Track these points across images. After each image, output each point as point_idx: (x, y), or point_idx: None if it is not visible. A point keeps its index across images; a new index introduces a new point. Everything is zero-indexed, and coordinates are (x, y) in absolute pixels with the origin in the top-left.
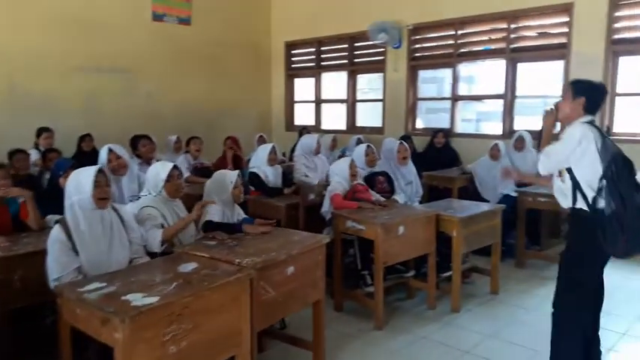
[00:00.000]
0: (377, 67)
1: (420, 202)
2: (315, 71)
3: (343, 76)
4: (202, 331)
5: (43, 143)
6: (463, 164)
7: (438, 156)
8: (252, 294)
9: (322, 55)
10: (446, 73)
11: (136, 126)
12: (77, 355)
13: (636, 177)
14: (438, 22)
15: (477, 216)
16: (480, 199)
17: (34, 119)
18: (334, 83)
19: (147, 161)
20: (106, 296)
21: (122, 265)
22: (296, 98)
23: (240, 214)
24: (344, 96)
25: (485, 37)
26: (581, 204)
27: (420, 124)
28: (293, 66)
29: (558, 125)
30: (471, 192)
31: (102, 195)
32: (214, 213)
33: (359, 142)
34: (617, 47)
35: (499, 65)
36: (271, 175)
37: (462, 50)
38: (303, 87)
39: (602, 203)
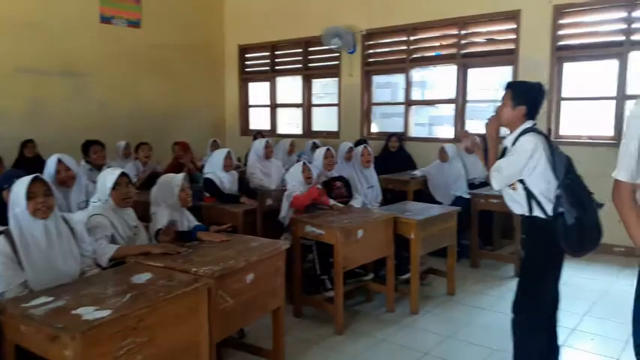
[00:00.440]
0: (332, 71)
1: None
2: (270, 75)
3: (298, 80)
4: (159, 345)
5: None
6: (417, 167)
7: (393, 159)
8: (211, 304)
9: (277, 59)
10: (399, 79)
11: (84, 131)
12: None
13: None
14: (391, 28)
15: (434, 218)
16: (434, 201)
17: None
18: (289, 87)
19: (97, 168)
20: (54, 311)
21: (72, 278)
22: (250, 102)
23: (190, 219)
24: (299, 100)
25: (436, 43)
26: (537, 212)
27: (374, 128)
28: (247, 70)
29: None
30: (425, 195)
31: (37, 206)
32: (163, 219)
33: (314, 146)
34: (561, 53)
35: (450, 70)
36: (227, 181)
37: (415, 56)
38: (258, 91)
39: (559, 210)
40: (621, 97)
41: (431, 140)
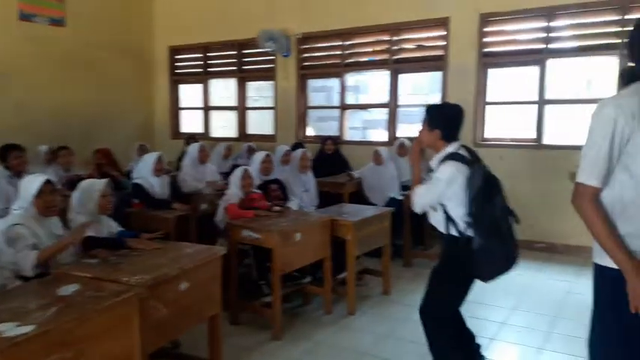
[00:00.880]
0: (267, 74)
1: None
2: (202, 77)
3: (232, 82)
4: (88, 359)
5: None
6: (353, 170)
7: (329, 162)
8: (143, 314)
9: (209, 61)
10: (334, 83)
11: (1, 135)
12: None
13: (498, 197)
14: (326, 33)
15: (369, 219)
16: (369, 203)
17: None
18: (223, 90)
19: (17, 174)
20: None
21: None
22: (182, 105)
23: (111, 226)
24: (234, 103)
25: (370, 49)
26: (453, 232)
27: (310, 131)
28: (178, 71)
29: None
30: (360, 197)
31: None
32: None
33: (250, 149)
34: (487, 60)
35: (383, 75)
36: (157, 185)
37: (349, 60)
38: (190, 93)
39: (467, 235)
40: (541, 102)
41: (365, 143)
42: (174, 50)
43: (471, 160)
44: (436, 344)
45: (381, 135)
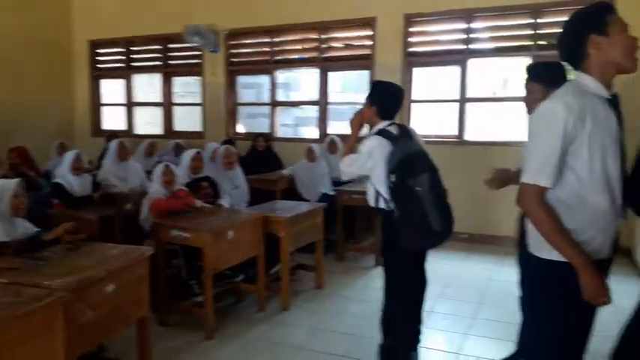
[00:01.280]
0: (194, 70)
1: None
2: (125, 72)
3: (157, 78)
4: None
5: None
6: (284, 167)
7: (261, 159)
8: (67, 318)
9: (133, 56)
10: (264, 79)
11: None
12: None
13: (425, 175)
14: (254, 29)
15: (302, 215)
16: (301, 199)
17: None
18: (148, 86)
19: None
20: None
21: None
22: (104, 101)
23: (26, 227)
24: (159, 99)
25: (299, 46)
26: (382, 205)
27: (241, 128)
28: (99, 66)
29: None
30: (292, 193)
31: None
32: None
33: (177, 147)
34: (412, 59)
35: (313, 73)
36: (77, 184)
37: (279, 57)
38: (112, 89)
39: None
40: (462, 100)
41: (297, 140)
42: (95, 44)
43: (396, 136)
44: (391, 337)
45: (312, 132)
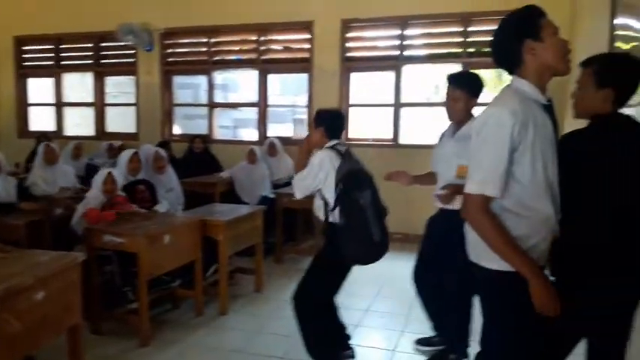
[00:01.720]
0: (128, 69)
1: (183, 210)
2: (54, 71)
3: (89, 77)
4: None
5: None
6: (223, 169)
7: (198, 162)
8: None
9: (62, 54)
10: (201, 80)
11: None
12: None
13: (368, 191)
14: (190, 29)
15: (241, 218)
16: (241, 202)
17: None
18: (79, 85)
19: None
20: None
21: None
22: (31, 101)
23: None
24: (91, 99)
25: (237, 47)
26: (330, 218)
27: (177, 130)
28: (25, 64)
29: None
30: (231, 196)
31: None
32: None
33: (111, 148)
34: (349, 64)
35: (252, 75)
36: (0, 188)
37: (216, 58)
38: (40, 88)
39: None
40: (397, 105)
41: (236, 143)
42: (21, 41)
43: (343, 153)
44: (307, 331)
45: (251, 134)
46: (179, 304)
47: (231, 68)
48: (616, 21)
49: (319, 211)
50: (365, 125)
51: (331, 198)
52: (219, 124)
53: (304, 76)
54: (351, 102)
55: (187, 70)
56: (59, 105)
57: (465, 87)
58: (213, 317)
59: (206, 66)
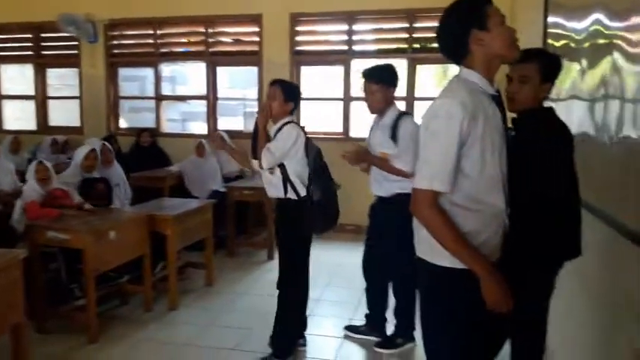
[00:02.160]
0: (70, 61)
1: (131, 205)
2: None
3: (29, 69)
4: None
5: None
6: (172, 163)
7: (146, 156)
8: None
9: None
10: (148, 72)
11: None
12: None
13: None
14: (136, 20)
15: (190, 212)
16: (191, 196)
17: None
18: (19, 77)
19: None
20: None
21: None
22: None
23: None
24: (31, 92)
25: (185, 39)
26: (290, 194)
27: (123, 123)
28: None
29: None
30: (181, 190)
31: None
32: None
33: (54, 143)
34: (299, 58)
35: (200, 67)
36: None
37: (163, 50)
38: None
39: (310, 191)
40: (347, 99)
41: (184, 136)
42: None
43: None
44: (283, 320)
45: (200, 127)
46: (128, 300)
47: (179, 60)
48: (548, 19)
49: (272, 188)
50: (316, 119)
51: (295, 172)
52: (167, 117)
53: (254, 69)
54: (301, 95)
55: (133, 62)
56: None
57: (378, 79)
58: (164, 312)
59: (153, 58)
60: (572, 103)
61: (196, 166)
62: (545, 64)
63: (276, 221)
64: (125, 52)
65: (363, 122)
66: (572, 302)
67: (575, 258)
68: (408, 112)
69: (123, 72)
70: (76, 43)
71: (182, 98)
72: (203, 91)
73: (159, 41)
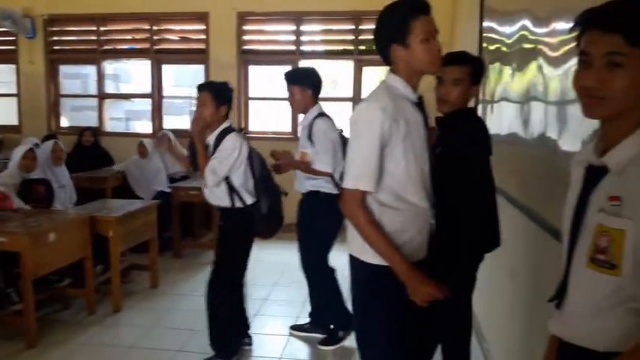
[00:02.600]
0: (7, 57)
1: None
2: None
3: None
4: None
5: None
6: (115, 163)
7: (88, 156)
8: None
9: None
10: (90, 70)
11: None
12: None
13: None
14: (77, 16)
15: (133, 213)
16: (135, 197)
17: None
18: None
19: None
20: None
21: None
22: None
23: None
24: None
25: (129, 37)
26: (237, 203)
27: (65, 122)
28: None
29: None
30: (125, 190)
31: None
32: None
33: None
34: (247, 57)
35: (145, 65)
36: None
37: (106, 47)
38: None
39: (256, 200)
40: None
41: (129, 135)
42: None
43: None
44: (217, 320)
45: (145, 126)
46: (69, 303)
47: (123, 58)
48: (484, 23)
49: (222, 201)
50: (264, 119)
51: (241, 183)
52: (110, 115)
53: (200, 68)
54: (250, 95)
55: (75, 59)
56: None
57: (298, 82)
58: (107, 315)
59: (95, 55)
60: (503, 104)
61: (139, 166)
62: (476, 67)
63: (221, 227)
64: (66, 48)
65: None
66: (501, 290)
67: (495, 249)
68: (324, 113)
69: (64, 69)
70: (13, 38)
71: (126, 96)
72: (148, 89)
73: (102, 38)
